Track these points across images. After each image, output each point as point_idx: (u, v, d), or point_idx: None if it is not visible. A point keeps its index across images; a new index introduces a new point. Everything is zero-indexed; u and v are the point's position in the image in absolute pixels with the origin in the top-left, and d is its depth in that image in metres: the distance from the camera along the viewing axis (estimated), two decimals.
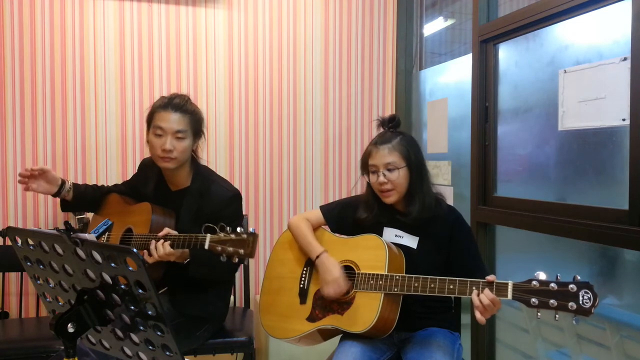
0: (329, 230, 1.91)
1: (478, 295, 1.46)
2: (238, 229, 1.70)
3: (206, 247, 1.70)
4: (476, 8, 2.35)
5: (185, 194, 2.00)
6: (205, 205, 1.96)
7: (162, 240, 1.78)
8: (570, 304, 1.34)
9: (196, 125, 1.97)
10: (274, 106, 2.92)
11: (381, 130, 1.82)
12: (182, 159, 1.95)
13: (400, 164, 1.73)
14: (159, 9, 2.73)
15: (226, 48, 2.83)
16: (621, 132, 1.70)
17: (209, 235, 1.70)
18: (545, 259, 2.08)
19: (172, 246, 1.80)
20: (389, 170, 1.72)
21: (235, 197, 2.01)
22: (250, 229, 1.70)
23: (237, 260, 1.70)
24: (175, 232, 1.83)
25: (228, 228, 1.70)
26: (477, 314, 1.46)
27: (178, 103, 1.94)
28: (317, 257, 1.77)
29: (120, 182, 2.33)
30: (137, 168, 2.24)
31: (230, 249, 1.67)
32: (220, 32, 2.82)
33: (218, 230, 1.70)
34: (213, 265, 1.86)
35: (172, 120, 1.90)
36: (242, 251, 1.66)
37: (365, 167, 1.78)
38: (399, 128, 1.82)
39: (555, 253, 2.03)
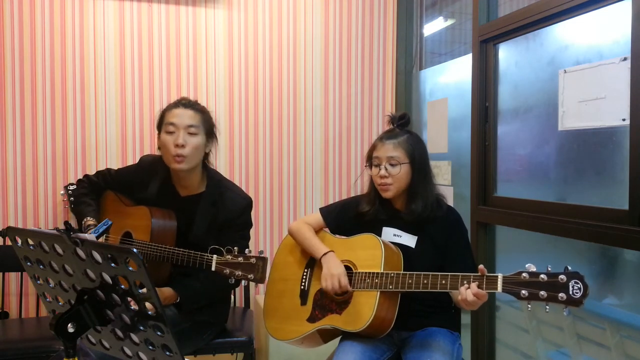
0: (329, 232, 1.92)
1: (466, 289, 1.46)
2: (246, 251, 1.70)
3: (213, 268, 1.70)
4: (476, 8, 2.35)
5: (199, 201, 1.96)
6: (220, 213, 1.94)
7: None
8: (560, 294, 1.33)
9: (207, 125, 1.95)
10: (274, 106, 2.92)
11: (390, 126, 1.84)
12: (195, 157, 1.90)
13: (403, 160, 1.73)
14: (159, 9, 2.73)
15: (226, 48, 2.83)
16: (621, 132, 1.70)
17: (215, 257, 1.70)
18: (545, 259, 2.08)
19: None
20: (392, 165, 1.73)
21: (249, 205, 2.00)
22: (259, 251, 1.70)
23: (234, 281, 1.71)
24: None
25: (235, 249, 1.70)
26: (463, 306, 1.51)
27: (188, 102, 1.95)
28: (324, 254, 1.77)
29: None
30: (137, 164, 2.11)
31: (239, 272, 1.66)
32: (220, 32, 2.82)
33: (224, 252, 1.69)
34: (204, 296, 1.91)
35: (184, 115, 1.89)
36: (251, 276, 1.66)
37: (369, 159, 1.81)
38: (408, 127, 1.83)
39: (555, 253, 2.03)
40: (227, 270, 1.68)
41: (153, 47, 2.73)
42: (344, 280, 1.69)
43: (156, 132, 1.99)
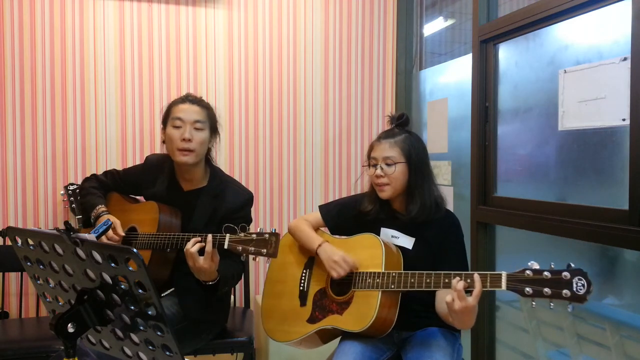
0: (328, 232, 1.92)
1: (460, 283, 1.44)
2: (259, 229, 1.72)
3: (225, 246, 1.70)
4: (476, 8, 2.35)
5: (200, 195, 1.99)
6: (220, 206, 1.97)
7: (197, 245, 1.72)
8: (564, 291, 1.33)
9: (212, 120, 2.01)
10: (274, 106, 2.92)
11: (390, 127, 1.84)
12: (200, 152, 1.95)
13: (399, 159, 1.72)
14: (159, 9, 2.73)
15: (226, 48, 2.83)
16: (621, 132, 1.70)
17: (228, 235, 1.71)
18: (545, 259, 2.06)
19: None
20: (387, 164, 1.73)
21: (250, 199, 2.04)
22: (272, 229, 1.71)
23: (244, 258, 1.72)
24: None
25: (248, 227, 1.72)
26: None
27: (195, 98, 2.01)
28: (319, 246, 1.77)
29: None
30: (143, 163, 2.15)
31: (252, 249, 1.68)
32: (220, 32, 2.82)
33: (239, 231, 1.71)
34: (233, 278, 1.92)
35: (191, 110, 1.95)
36: (264, 251, 1.67)
37: (368, 159, 1.81)
38: (407, 127, 1.82)
39: (555, 253, 2.03)
40: (240, 247, 1.69)
41: (153, 47, 2.73)
42: (349, 259, 1.70)
43: (160, 126, 2.02)
